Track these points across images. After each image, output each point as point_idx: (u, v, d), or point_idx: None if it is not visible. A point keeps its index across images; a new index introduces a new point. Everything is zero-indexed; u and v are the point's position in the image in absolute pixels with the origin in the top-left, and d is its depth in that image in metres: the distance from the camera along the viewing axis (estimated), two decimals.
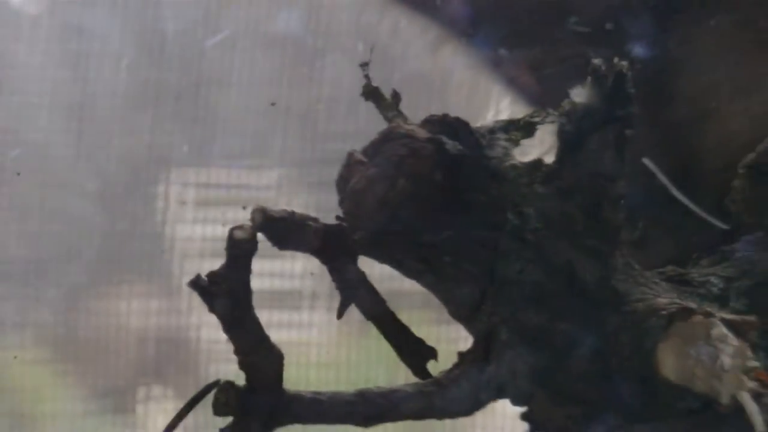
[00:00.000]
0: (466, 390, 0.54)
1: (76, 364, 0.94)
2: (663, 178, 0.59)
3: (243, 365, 0.55)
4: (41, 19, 0.90)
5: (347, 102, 0.87)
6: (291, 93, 0.89)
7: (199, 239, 0.93)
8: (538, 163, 0.53)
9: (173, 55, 0.90)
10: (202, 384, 0.57)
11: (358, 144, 0.54)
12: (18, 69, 0.90)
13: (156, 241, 0.94)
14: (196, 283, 0.54)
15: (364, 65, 0.55)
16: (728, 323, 0.50)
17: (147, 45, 0.90)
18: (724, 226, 0.59)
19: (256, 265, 0.54)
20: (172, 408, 0.79)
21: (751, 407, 0.49)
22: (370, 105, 0.55)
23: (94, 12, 0.90)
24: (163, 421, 0.63)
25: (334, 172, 0.60)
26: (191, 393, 0.58)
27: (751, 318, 0.51)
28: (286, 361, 0.56)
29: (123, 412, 0.94)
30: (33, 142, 0.89)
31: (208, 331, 0.87)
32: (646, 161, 0.59)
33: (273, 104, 0.86)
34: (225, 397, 0.54)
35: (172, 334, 0.94)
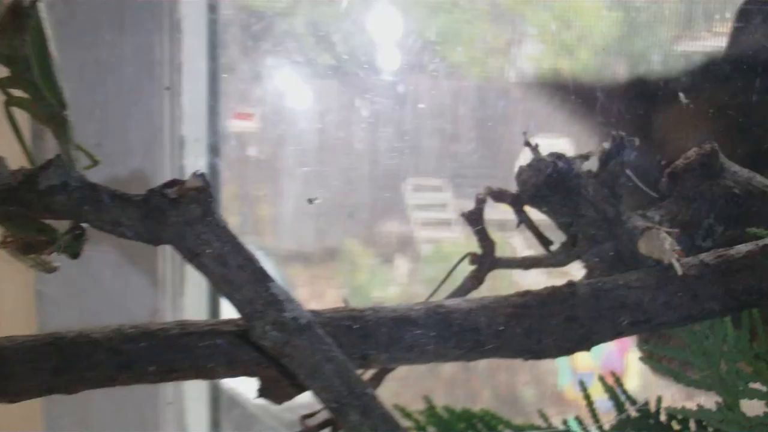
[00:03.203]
0: (564, 256, 0.61)
1: (367, 246, 0.96)
2: (634, 179, 0.60)
3: (480, 245, 0.60)
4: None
5: (503, 156, 0.87)
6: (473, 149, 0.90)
7: (414, 204, 0.96)
8: (591, 171, 0.57)
9: (408, 136, 0.90)
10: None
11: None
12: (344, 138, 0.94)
13: (399, 204, 0.96)
14: (464, 214, 0.59)
15: (525, 133, 0.59)
16: (665, 232, 0.55)
17: (394, 130, 0.90)
18: (658, 196, 0.63)
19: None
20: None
21: (676, 263, 0.54)
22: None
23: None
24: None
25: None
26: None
27: (674, 229, 0.56)
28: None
29: (389, 262, 0.96)
30: (351, 169, 0.93)
31: (418, 236, 0.91)
32: (628, 172, 0.59)
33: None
34: (473, 258, 0.60)
35: (405, 239, 0.96)
